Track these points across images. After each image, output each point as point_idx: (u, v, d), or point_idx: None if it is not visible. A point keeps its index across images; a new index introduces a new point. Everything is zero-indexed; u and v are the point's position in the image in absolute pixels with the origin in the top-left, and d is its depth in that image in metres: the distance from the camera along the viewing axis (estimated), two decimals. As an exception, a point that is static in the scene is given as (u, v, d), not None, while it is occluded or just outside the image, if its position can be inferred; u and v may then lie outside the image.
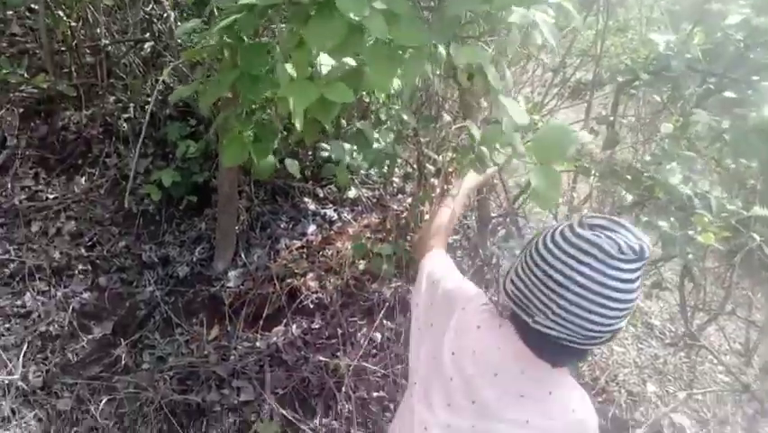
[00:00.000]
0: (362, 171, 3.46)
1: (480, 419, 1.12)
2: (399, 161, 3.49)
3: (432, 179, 2.99)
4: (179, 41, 3.03)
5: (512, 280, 1.08)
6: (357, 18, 1.03)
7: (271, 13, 1.49)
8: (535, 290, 1.02)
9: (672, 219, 2.59)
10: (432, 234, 1.51)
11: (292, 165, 2.08)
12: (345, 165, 2.10)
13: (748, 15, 2.37)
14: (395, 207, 3.30)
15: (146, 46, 3.40)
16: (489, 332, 1.14)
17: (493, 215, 2.97)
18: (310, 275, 2.94)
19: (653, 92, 2.80)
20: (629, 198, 2.62)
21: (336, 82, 1.22)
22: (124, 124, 3.46)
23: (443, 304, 1.25)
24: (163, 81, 3.11)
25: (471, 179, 1.72)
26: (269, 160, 1.84)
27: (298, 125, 1.34)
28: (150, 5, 3.28)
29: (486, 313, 1.18)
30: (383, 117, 2.23)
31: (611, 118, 2.83)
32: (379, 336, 2.78)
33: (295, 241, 3.11)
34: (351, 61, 1.38)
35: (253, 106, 1.75)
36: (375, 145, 2.06)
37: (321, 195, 3.41)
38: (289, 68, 1.68)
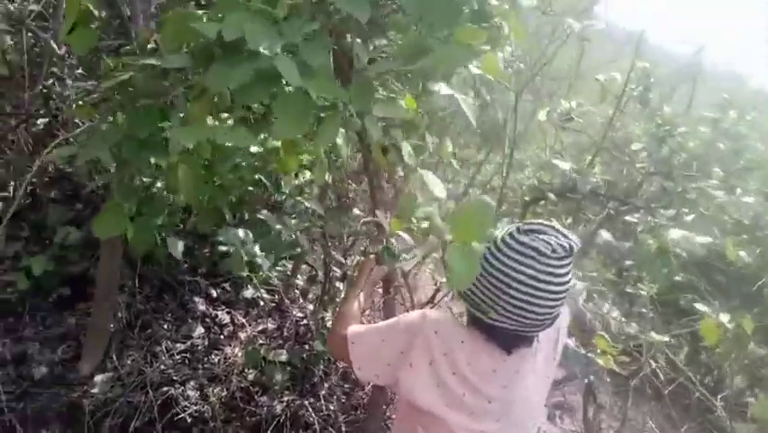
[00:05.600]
0: (262, 272, 3.24)
1: (502, 412, 1.27)
2: (304, 266, 3.32)
3: (337, 284, 2.83)
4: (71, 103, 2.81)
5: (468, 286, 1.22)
6: (266, 63, 0.92)
7: (172, 77, 1.36)
8: (487, 291, 1.18)
9: (573, 338, 2.58)
10: (342, 324, 1.46)
11: (174, 245, 1.85)
12: (241, 254, 1.91)
13: (648, 145, 2.51)
14: (295, 312, 3.08)
15: (39, 122, 3.15)
16: (474, 342, 1.25)
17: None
18: (191, 383, 2.60)
19: (558, 212, 2.86)
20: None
21: (236, 126, 1.08)
22: (-1, 204, 3.11)
23: (403, 342, 1.30)
24: (51, 161, 2.85)
25: (376, 272, 1.65)
26: (151, 239, 1.63)
27: (183, 194, 1.18)
28: (51, 80, 3.08)
29: (462, 328, 1.29)
30: (288, 209, 2.09)
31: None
32: (263, 457, 2.45)
33: (178, 344, 2.78)
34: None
35: (142, 178, 1.57)
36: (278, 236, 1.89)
37: (214, 295, 3.13)
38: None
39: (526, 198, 3.00)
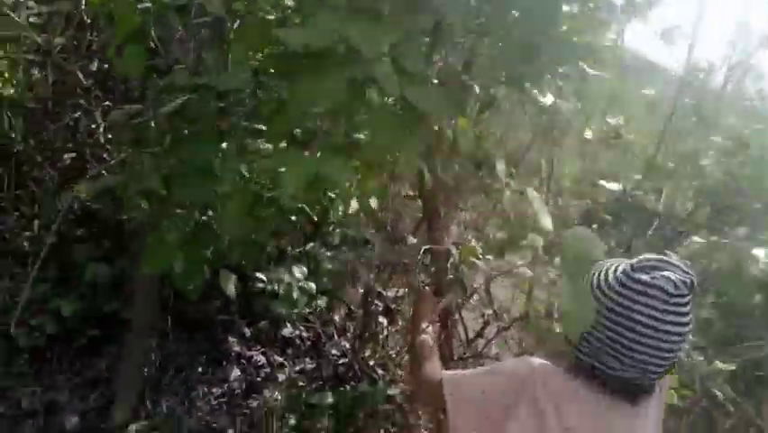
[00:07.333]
0: (297, 309, 3.08)
1: None
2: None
3: (380, 318, 2.68)
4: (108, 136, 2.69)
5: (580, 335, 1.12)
6: (359, 72, 0.78)
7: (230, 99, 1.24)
8: (606, 339, 1.06)
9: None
10: (425, 368, 1.40)
11: (227, 279, 1.70)
12: (293, 295, 1.75)
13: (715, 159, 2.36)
14: (333, 351, 2.91)
15: (65, 157, 3.04)
16: (586, 394, 1.11)
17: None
18: (230, 432, 2.44)
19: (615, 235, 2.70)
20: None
21: (331, 155, 0.92)
22: (25, 243, 2.99)
23: (507, 395, 1.14)
24: (77, 197, 2.73)
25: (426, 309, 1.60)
26: (200, 273, 1.47)
27: (227, 228, 1.04)
28: (78, 113, 2.98)
29: (571, 378, 1.13)
30: (336, 240, 1.94)
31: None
32: None
33: (214, 388, 2.62)
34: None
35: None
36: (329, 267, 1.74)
37: (247, 334, 2.97)
38: (243, 168, 1.42)
39: (576, 222, 2.85)
